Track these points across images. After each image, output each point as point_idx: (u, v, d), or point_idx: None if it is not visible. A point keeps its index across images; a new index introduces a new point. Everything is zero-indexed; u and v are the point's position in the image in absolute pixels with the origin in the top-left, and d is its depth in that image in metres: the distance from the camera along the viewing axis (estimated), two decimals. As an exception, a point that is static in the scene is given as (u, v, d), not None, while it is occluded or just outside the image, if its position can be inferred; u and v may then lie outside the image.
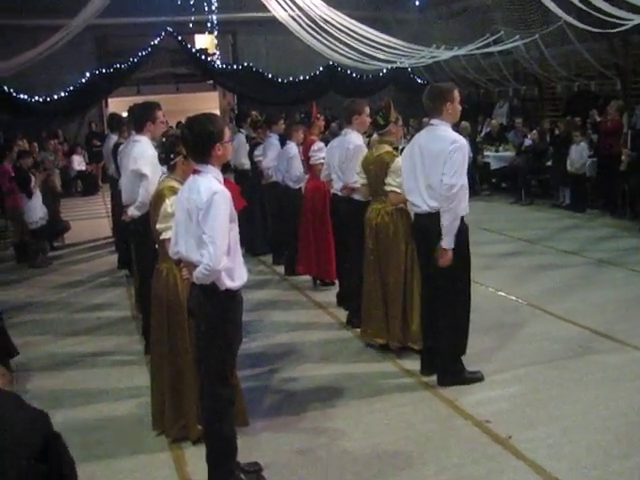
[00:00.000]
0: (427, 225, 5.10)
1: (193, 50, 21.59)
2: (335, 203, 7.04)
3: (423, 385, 5.31)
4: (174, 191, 4.32)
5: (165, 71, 22.65)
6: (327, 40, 17.34)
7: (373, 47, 16.65)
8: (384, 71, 21.05)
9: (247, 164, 9.98)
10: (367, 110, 6.54)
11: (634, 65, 14.63)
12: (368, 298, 6.05)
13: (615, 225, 11.02)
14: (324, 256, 7.83)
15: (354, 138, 6.54)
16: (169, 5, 19.35)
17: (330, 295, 7.63)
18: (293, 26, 17.94)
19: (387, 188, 5.82)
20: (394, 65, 18.31)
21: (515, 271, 8.42)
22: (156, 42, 20.35)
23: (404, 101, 20.63)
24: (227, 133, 3.86)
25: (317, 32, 17.28)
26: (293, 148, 8.33)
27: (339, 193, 6.77)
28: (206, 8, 20.01)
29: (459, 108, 5.19)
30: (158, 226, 4.47)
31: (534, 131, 14.55)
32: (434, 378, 5.32)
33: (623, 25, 10.57)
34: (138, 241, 5.99)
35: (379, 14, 19.55)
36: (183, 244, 3.84)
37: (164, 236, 4.38)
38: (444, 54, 16.36)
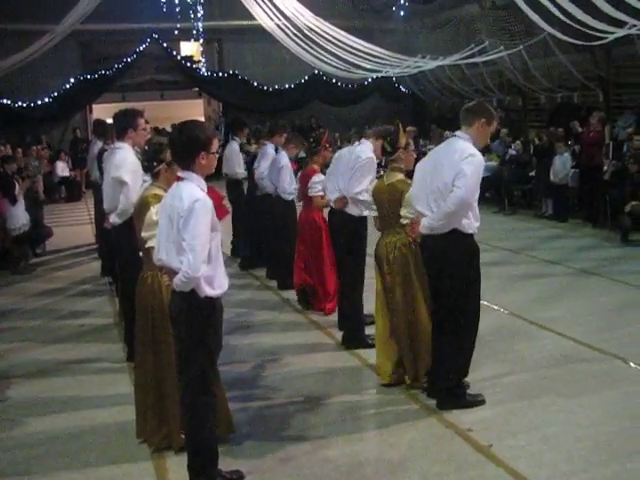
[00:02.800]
0: (433, 247, 4.90)
1: (178, 57, 21.61)
2: (331, 218, 6.77)
3: (405, 394, 5.32)
4: (158, 199, 4.31)
5: (150, 78, 22.63)
6: (313, 49, 17.40)
7: (358, 56, 16.73)
8: (369, 80, 21.16)
9: (241, 173, 9.79)
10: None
11: (616, 77, 14.82)
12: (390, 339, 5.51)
13: (597, 235, 11.12)
14: (320, 284, 7.45)
15: (367, 149, 6.22)
16: (154, 12, 19.33)
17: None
18: (279, 34, 17.99)
19: (403, 221, 5.38)
20: (379, 74, 18.39)
21: (498, 281, 8.46)
22: (141, 49, 20.37)
23: (388, 110, 20.85)
24: (215, 144, 3.87)
25: (303, 41, 17.34)
26: (284, 158, 8.15)
27: (332, 205, 6.54)
28: (192, 15, 20.02)
29: (489, 133, 5.05)
30: (143, 234, 4.46)
31: (518, 141, 14.67)
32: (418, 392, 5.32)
33: (605, 38, 10.69)
34: (120, 248, 5.97)
35: (364, 24, 19.65)
36: (164, 250, 3.84)
37: (149, 244, 4.37)
38: (429, 64, 16.47)
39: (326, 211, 7.04)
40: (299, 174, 7.91)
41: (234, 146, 9.91)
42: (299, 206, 8.07)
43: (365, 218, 6.33)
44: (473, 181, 4.71)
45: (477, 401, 5.08)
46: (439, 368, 5.06)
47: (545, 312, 7.14)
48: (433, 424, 4.81)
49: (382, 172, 5.82)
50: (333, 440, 4.64)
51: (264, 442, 4.66)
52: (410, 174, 5.39)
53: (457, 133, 4.96)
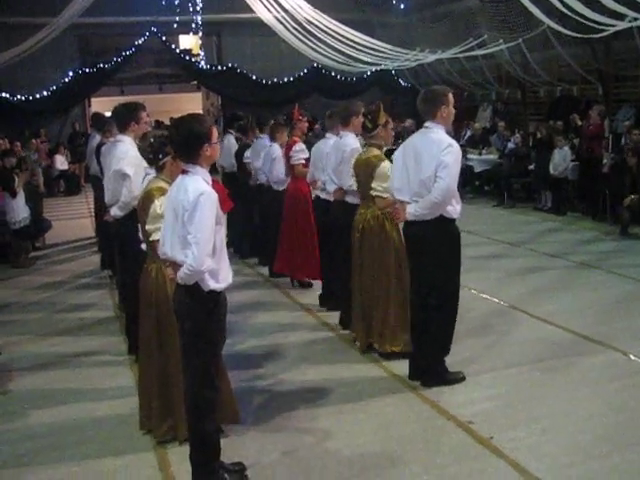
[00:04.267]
0: (418, 232, 5.13)
1: (177, 50, 21.55)
2: (324, 206, 7.02)
3: (406, 386, 5.34)
4: (163, 192, 4.31)
5: (149, 71, 22.60)
6: (312, 42, 17.37)
7: (358, 49, 16.71)
8: (368, 73, 21.13)
9: (234, 166, 9.91)
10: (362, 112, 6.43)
11: (615, 70, 14.79)
12: (352, 300, 6.12)
13: (596, 228, 11.13)
14: (306, 256, 7.84)
15: (351, 140, 6.46)
16: (153, 5, 19.30)
17: (313, 296, 7.64)
18: (278, 28, 17.97)
19: (372, 193, 5.86)
20: (378, 68, 18.37)
21: (498, 274, 8.48)
22: (140, 42, 20.29)
23: (388, 103, 20.80)
24: (215, 133, 3.87)
25: (302, 34, 17.31)
26: (277, 150, 8.31)
27: (330, 197, 6.73)
28: (191, 9, 19.99)
29: (453, 111, 5.23)
30: (148, 227, 4.46)
31: (517, 135, 14.67)
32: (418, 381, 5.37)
33: (605, 31, 10.68)
34: (121, 241, 5.98)
35: (364, 17, 19.61)
36: (169, 244, 3.85)
37: (154, 237, 4.38)
38: (428, 57, 16.45)
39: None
40: (283, 149, 8.18)
41: (231, 139, 10.07)
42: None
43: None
44: (454, 170, 4.98)
45: (459, 378, 5.34)
46: (422, 346, 5.27)
47: (545, 305, 7.16)
48: (434, 416, 4.83)
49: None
50: (335, 433, 4.65)
51: (266, 434, 4.68)
52: (389, 152, 5.84)
53: (427, 124, 5.16)
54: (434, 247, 5.07)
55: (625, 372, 5.44)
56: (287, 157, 7.94)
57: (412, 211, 5.07)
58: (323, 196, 7.16)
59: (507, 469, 4.11)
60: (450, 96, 5.23)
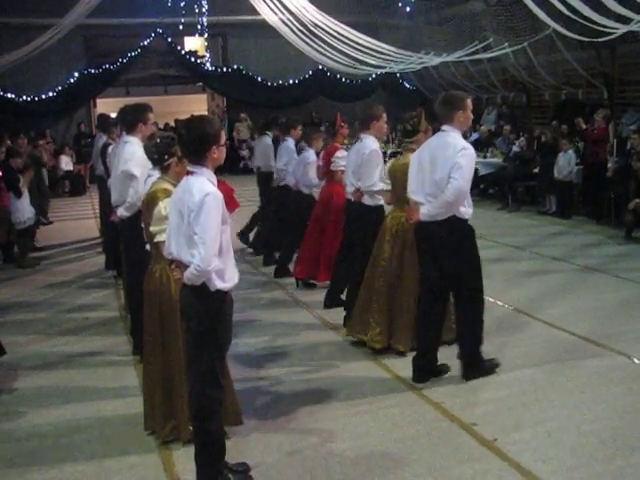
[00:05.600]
0: (433, 231, 5.28)
1: (183, 52, 21.58)
2: (348, 207, 7.08)
3: (410, 387, 5.35)
4: (167, 193, 4.33)
5: (154, 72, 22.60)
6: (317, 44, 17.38)
7: (363, 52, 16.71)
8: (373, 76, 21.13)
9: (273, 166, 9.91)
10: (385, 116, 6.57)
11: (621, 74, 14.77)
12: (368, 299, 6.15)
13: (600, 232, 11.12)
14: (329, 259, 7.83)
15: (370, 143, 6.50)
16: (159, 7, 19.32)
17: (317, 296, 7.67)
18: (283, 30, 17.97)
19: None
20: (383, 70, 18.37)
21: (502, 277, 8.48)
22: (146, 43, 20.33)
23: (393, 106, 20.82)
24: (223, 136, 3.89)
25: (307, 36, 17.32)
26: (312, 155, 8.54)
27: (351, 197, 6.83)
28: (196, 10, 20.02)
29: (470, 116, 5.41)
30: (152, 229, 4.48)
31: (522, 138, 14.66)
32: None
33: (610, 34, 10.67)
34: (127, 241, 6.01)
35: (369, 19, 19.61)
36: (175, 245, 3.87)
37: (158, 238, 4.40)
38: (433, 60, 16.44)
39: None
40: (321, 153, 8.44)
41: (267, 140, 10.27)
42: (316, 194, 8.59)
43: (382, 207, 6.55)
44: (468, 172, 5.17)
45: (494, 364, 5.59)
46: (429, 346, 5.48)
47: (549, 308, 7.16)
48: (438, 418, 4.84)
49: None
50: (339, 434, 4.67)
51: (270, 435, 4.69)
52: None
53: (444, 128, 5.32)
54: (449, 244, 5.24)
55: (629, 375, 5.44)
56: (327, 162, 8.02)
57: (425, 212, 5.25)
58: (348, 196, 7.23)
59: (510, 471, 4.11)
60: (468, 102, 5.38)
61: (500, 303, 7.41)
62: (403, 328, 5.97)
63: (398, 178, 5.96)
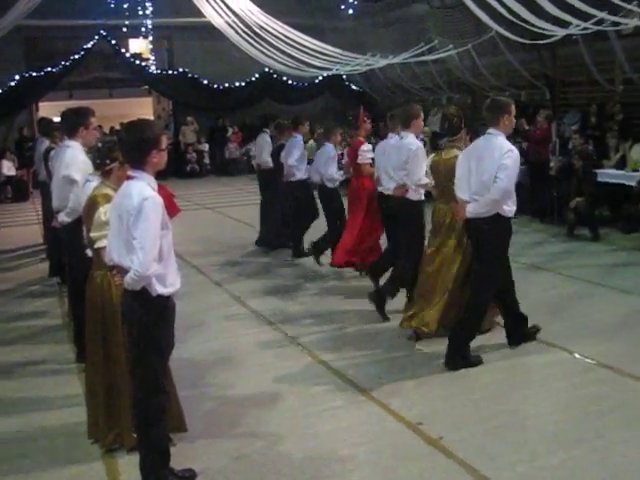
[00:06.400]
0: (477, 227, 5.62)
1: (127, 55, 21.31)
2: (385, 201, 7.33)
3: (357, 389, 5.37)
4: (108, 199, 4.28)
5: (98, 75, 22.28)
6: (263, 47, 17.36)
7: (309, 54, 16.75)
8: (319, 78, 21.20)
9: (270, 162, 10.46)
10: (422, 114, 7.01)
11: (562, 76, 15.10)
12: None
13: (545, 230, 11.34)
14: (375, 242, 8.25)
15: (413, 140, 6.83)
16: (103, 8, 19.05)
17: (265, 302, 7.67)
18: (229, 32, 17.91)
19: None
20: (330, 72, 18.44)
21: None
22: (89, 45, 20.01)
23: (339, 108, 20.91)
24: (164, 140, 3.85)
25: (253, 39, 17.29)
26: (332, 150, 8.96)
27: (391, 193, 7.03)
28: (141, 12, 19.80)
29: (514, 121, 5.77)
30: (92, 234, 4.42)
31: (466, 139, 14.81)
32: (365, 379, 5.45)
33: (550, 37, 10.90)
34: (69, 247, 5.91)
35: (314, 22, 19.66)
36: (116, 250, 3.81)
37: (99, 244, 4.34)
38: (379, 62, 16.56)
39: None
40: (347, 149, 8.93)
41: (266, 137, 10.73)
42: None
43: (423, 201, 6.91)
44: (512, 172, 5.51)
45: (479, 360, 5.75)
46: (462, 331, 5.75)
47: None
48: (385, 418, 4.87)
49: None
50: (286, 436, 4.65)
51: (216, 440, 4.65)
52: None
53: (490, 131, 5.64)
54: (491, 240, 5.62)
55: (571, 371, 5.56)
56: (352, 156, 8.39)
57: (471, 209, 5.57)
58: (380, 189, 7.48)
59: (456, 468, 4.16)
60: (513, 107, 5.72)
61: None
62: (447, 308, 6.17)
63: (442, 173, 6.23)
